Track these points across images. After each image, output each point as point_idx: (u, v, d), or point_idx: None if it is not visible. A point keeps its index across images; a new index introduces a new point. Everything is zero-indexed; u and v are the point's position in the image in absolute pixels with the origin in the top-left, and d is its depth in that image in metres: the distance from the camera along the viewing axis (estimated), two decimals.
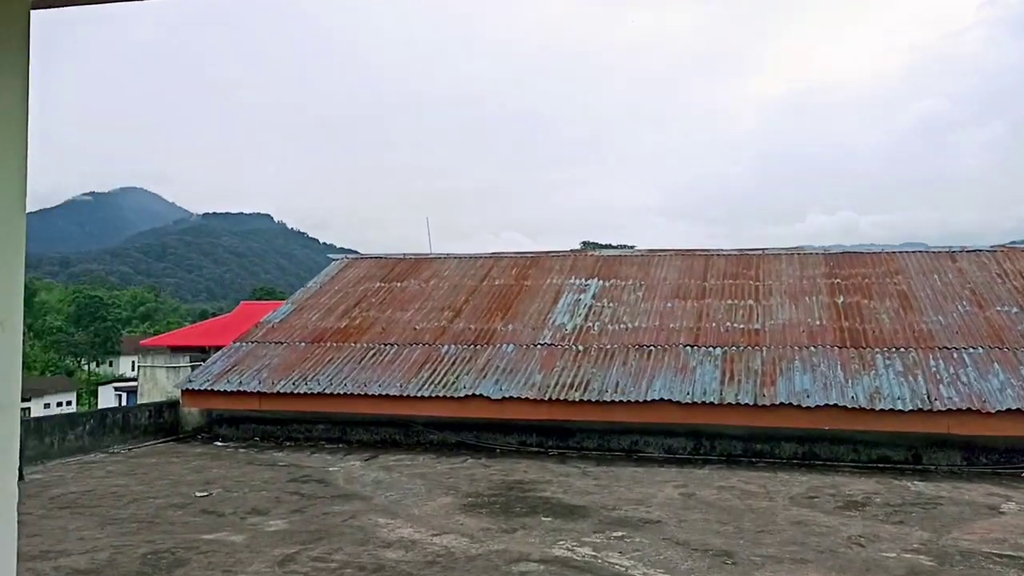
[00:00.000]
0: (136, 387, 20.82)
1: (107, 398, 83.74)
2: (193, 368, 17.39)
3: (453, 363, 16.13)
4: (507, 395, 14.93)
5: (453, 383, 15.43)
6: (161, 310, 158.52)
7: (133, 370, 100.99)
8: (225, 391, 16.06)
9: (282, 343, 17.67)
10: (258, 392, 15.89)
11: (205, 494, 11.47)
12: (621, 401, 14.51)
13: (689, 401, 14.31)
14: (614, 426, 14.94)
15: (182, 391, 16.39)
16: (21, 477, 12.73)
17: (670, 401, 14.36)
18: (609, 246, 22.81)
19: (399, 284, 20.30)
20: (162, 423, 16.51)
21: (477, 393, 15.06)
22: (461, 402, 15.07)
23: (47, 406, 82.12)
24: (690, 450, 14.88)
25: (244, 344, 17.86)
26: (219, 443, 16.22)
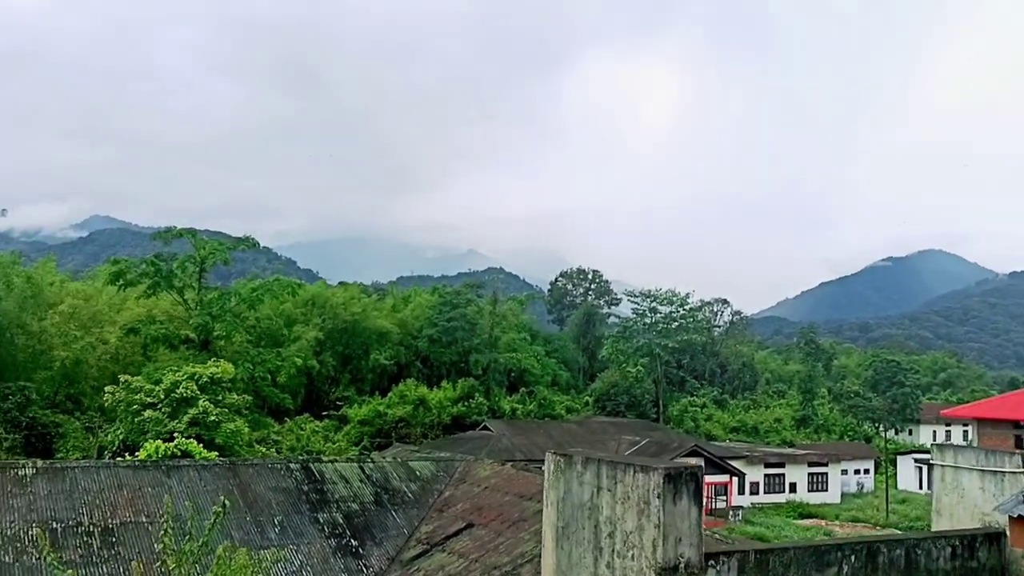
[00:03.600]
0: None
1: (905, 469, 78.65)
2: None
3: None
4: None
5: None
6: (964, 377, 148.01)
7: (934, 439, 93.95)
8: None
9: None
10: None
11: None
12: None
13: None
14: None
15: (1010, 518, 9.77)
16: None
17: None
18: None
19: None
20: (975, 569, 10.08)
21: None
22: None
23: (844, 472, 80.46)
24: None
25: None
26: None
